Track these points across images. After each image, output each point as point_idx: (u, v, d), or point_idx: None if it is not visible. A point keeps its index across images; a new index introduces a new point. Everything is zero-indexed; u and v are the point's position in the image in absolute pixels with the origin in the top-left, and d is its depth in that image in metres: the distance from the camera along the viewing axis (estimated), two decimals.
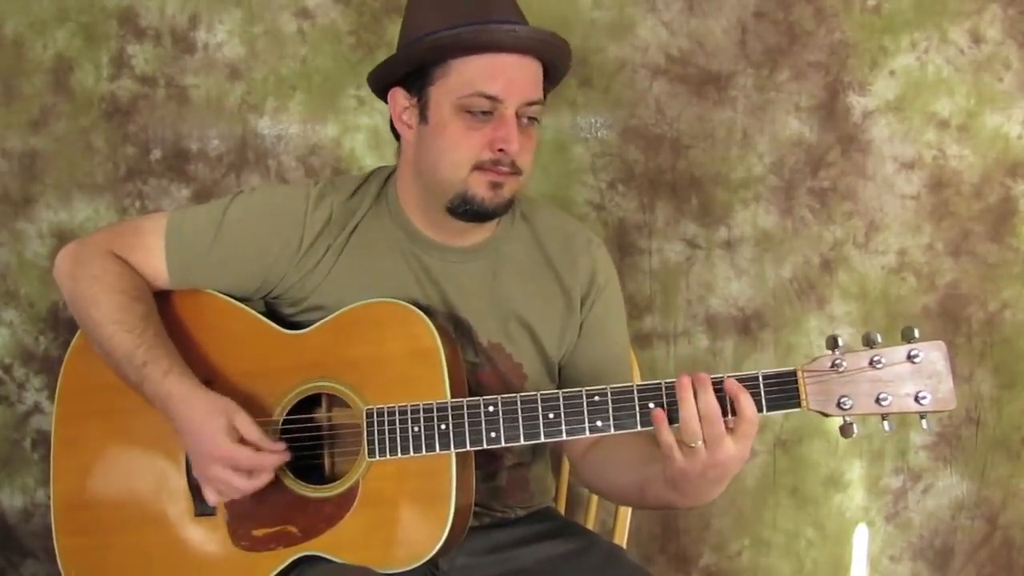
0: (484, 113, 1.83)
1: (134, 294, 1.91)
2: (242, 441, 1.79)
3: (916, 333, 1.62)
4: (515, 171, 1.86)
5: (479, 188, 1.85)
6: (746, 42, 2.72)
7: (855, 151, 2.72)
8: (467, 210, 1.88)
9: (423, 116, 1.88)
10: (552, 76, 1.92)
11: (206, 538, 1.90)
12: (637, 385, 1.72)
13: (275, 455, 1.80)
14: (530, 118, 1.86)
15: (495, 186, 1.86)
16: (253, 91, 2.75)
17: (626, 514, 2.28)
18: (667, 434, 1.64)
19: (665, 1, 2.71)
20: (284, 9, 2.73)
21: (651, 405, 1.69)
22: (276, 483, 1.84)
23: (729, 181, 2.74)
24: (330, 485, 1.85)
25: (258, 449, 1.79)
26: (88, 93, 2.75)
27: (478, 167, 1.84)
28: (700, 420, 1.62)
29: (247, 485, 1.80)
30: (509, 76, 1.82)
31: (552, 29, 1.88)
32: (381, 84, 1.95)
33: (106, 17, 2.74)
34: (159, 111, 2.75)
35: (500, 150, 1.83)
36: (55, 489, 1.99)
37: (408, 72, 1.89)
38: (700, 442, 1.62)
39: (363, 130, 2.74)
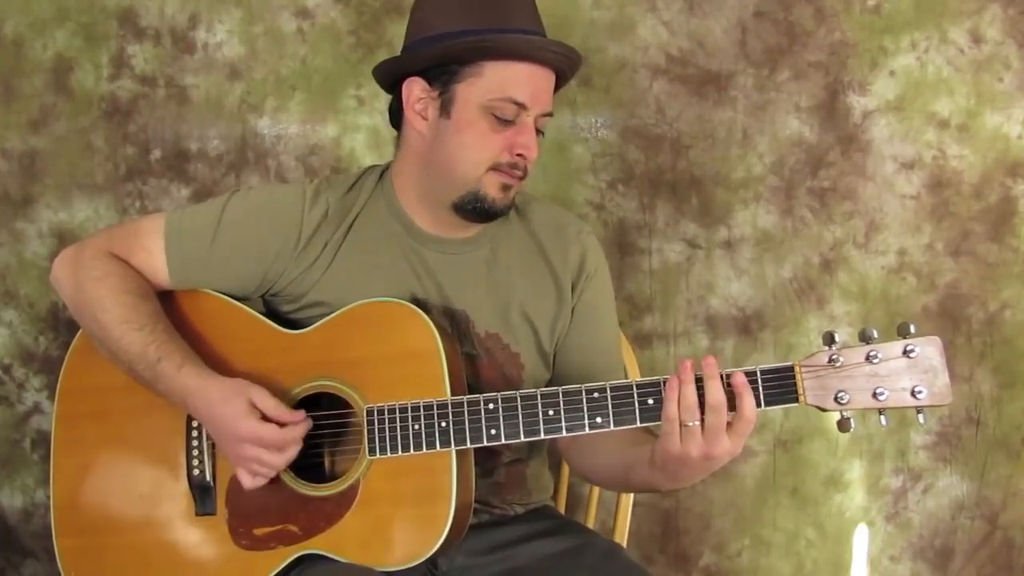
0: (502, 120, 1.87)
1: (140, 293, 1.92)
2: (265, 418, 1.80)
3: (912, 328, 1.65)
4: (524, 175, 1.92)
5: (491, 188, 1.90)
6: (746, 42, 2.72)
7: (855, 151, 2.72)
8: (475, 208, 1.91)
9: (445, 110, 1.90)
10: (556, 87, 1.96)
11: (206, 538, 1.90)
12: (636, 381, 1.74)
13: (300, 425, 1.82)
14: (540, 129, 1.92)
15: (506, 188, 1.91)
16: (253, 91, 2.75)
17: (626, 513, 2.28)
18: (675, 408, 1.66)
19: (665, 1, 2.71)
20: (284, 9, 2.73)
21: (650, 401, 1.71)
22: (277, 482, 1.85)
23: (729, 181, 2.74)
24: (330, 484, 1.85)
25: (281, 423, 1.80)
26: (88, 93, 2.75)
27: (494, 168, 1.89)
28: (704, 407, 1.64)
29: (280, 460, 1.81)
30: (537, 86, 1.88)
31: (551, 29, 1.91)
32: (395, 74, 1.96)
33: (106, 17, 2.74)
34: (159, 111, 2.76)
35: (519, 155, 1.88)
36: (55, 490, 1.98)
37: (431, 65, 1.90)
38: (697, 423, 1.64)
39: (363, 130, 2.74)
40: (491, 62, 1.86)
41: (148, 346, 1.86)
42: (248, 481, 1.84)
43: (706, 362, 1.66)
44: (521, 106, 1.87)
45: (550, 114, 1.92)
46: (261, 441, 1.80)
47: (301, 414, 1.82)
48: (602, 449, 1.93)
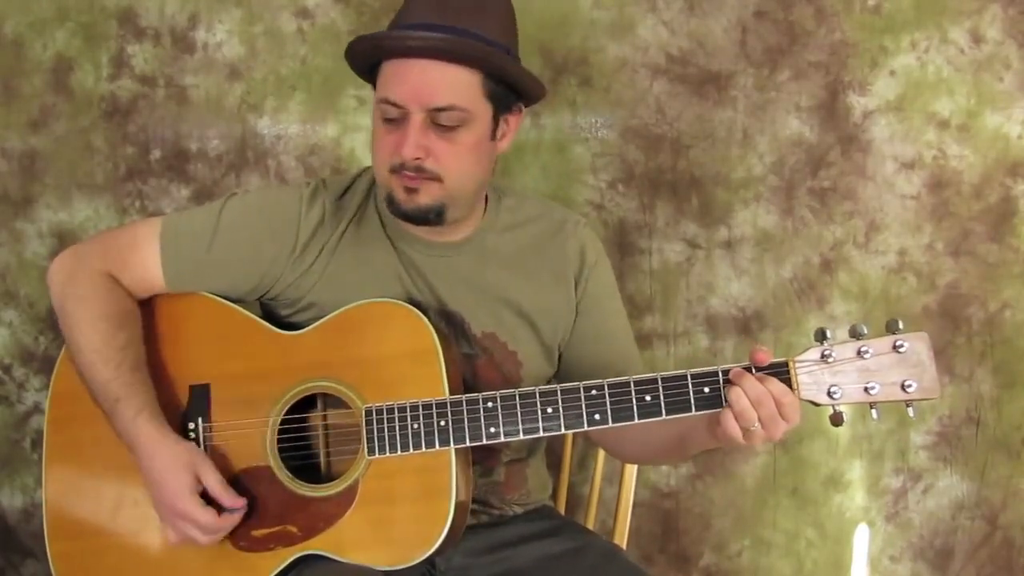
0: (395, 119, 1.84)
1: (118, 320, 1.92)
2: (205, 495, 1.83)
3: (900, 324, 1.67)
4: (429, 176, 1.85)
5: (397, 191, 1.88)
6: (746, 42, 2.72)
7: (855, 151, 2.72)
8: (393, 211, 1.90)
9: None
10: (504, 77, 1.88)
11: None
12: (634, 378, 1.74)
13: (236, 515, 1.85)
14: (443, 125, 1.84)
15: (408, 190, 1.87)
16: (253, 91, 2.75)
17: (626, 513, 2.28)
18: (735, 432, 1.68)
19: (665, 1, 2.71)
20: (284, 9, 2.73)
21: (647, 398, 1.72)
22: (275, 484, 1.85)
23: (729, 181, 2.74)
24: (329, 484, 1.85)
25: (219, 509, 1.84)
26: (88, 93, 2.75)
27: (392, 170, 1.86)
28: (752, 405, 1.66)
29: (206, 540, 1.85)
30: (411, 82, 1.82)
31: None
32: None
33: (106, 17, 2.73)
34: (159, 111, 2.75)
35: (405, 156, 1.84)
36: (47, 493, 1.98)
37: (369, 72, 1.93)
38: (757, 425, 1.67)
39: (363, 130, 2.74)
40: (384, 64, 1.86)
41: (111, 382, 1.87)
42: (172, 537, 1.87)
43: (733, 375, 1.70)
44: (398, 105, 1.82)
45: (448, 109, 1.82)
46: (196, 524, 1.83)
47: (242, 501, 1.85)
48: (654, 427, 1.87)
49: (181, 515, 1.82)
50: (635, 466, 2.30)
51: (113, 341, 1.89)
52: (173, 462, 1.84)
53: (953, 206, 2.72)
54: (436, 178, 1.85)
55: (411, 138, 1.82)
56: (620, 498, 2.30)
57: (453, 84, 1.83)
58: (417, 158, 1.83)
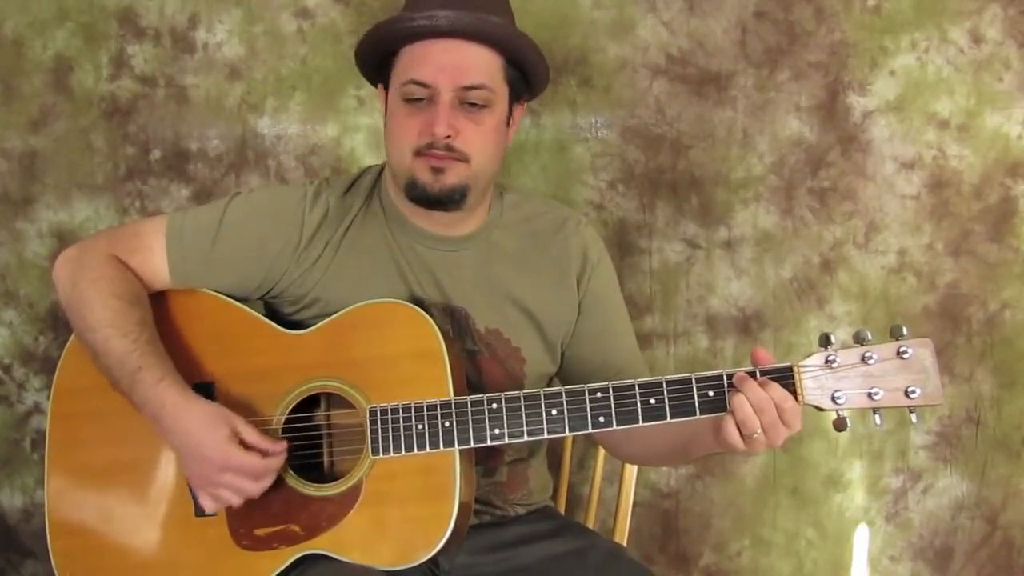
0: (421, 100, 1.87)
1: (130, 299, 1.92)
2: (244, 446, 1.81)
3: (904, 330, 1.68)
4: (457, 156, 1.88)
5: (421, 173, 1.89)
6: (746, 42, 2.72)
7: (855, 151, 2.73)
8: (415, 195, 1.91)
9: (386, 106, 1.94)
10: (523, 63, 1.93)
11: (206, 538, 1.90)
12: (638, 382, 1.75)
13: (280, 456, 1.83)
14: (473, 103, 1.88)
15: (435, 171, 1.89)
16: (253, 91, 2.75)
17: (626, 513, 2.29)
18: (737, 439, 1.69)
19: (665, 1, 2.71)
20: (284, 9, 2.73)
21: (652, 401, 1.73)
22: (278, 482, 1.85)
23: (729, 181, 2.74)
24: (333, 483, 1.85)
25: (263, 453, 1.81)
26: (88, 93, 2.74)
27: (418, 153, 1.88)
28: (755, 411, 1.66)
29: (256, 488, 1.82)
30: (440, 61, 1.86)
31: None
32: (370, 80, 2.01)
33: (106, 17, 2.73)
34: (159, 111, 2.75)
35: (436, 135, 1.86)
36: (49, 490, 1.97)
37: (372, 65, 1.96)
38: (760, 431, 1.67)
39: (363, 130, 2.74)
40: (403, 48, 1.89)
41: (130, 353, 1.85)
42: (211, 506, 1.85)
43: (737, 379, 1.69)
44: (426, 85, 1.86)
45: (477, 87, 1.87)
46: (245, 470, 1.81)
47: (282, 444, 1.84)
48: (657, 431, 1.87)
49: (228, 466, 1.80)
50: (635, 466, 2.30)
51: (129, 316, 1.89)
52: (207, 419, 1.82)
53: (953, 206, 2.72)
54: (464, 159, 1.88)
55: (443, 116, 1.85)
56: (620, 498, 2.30)
57: (481, 63, 1.88)
58: (448, 136, 1.86)
